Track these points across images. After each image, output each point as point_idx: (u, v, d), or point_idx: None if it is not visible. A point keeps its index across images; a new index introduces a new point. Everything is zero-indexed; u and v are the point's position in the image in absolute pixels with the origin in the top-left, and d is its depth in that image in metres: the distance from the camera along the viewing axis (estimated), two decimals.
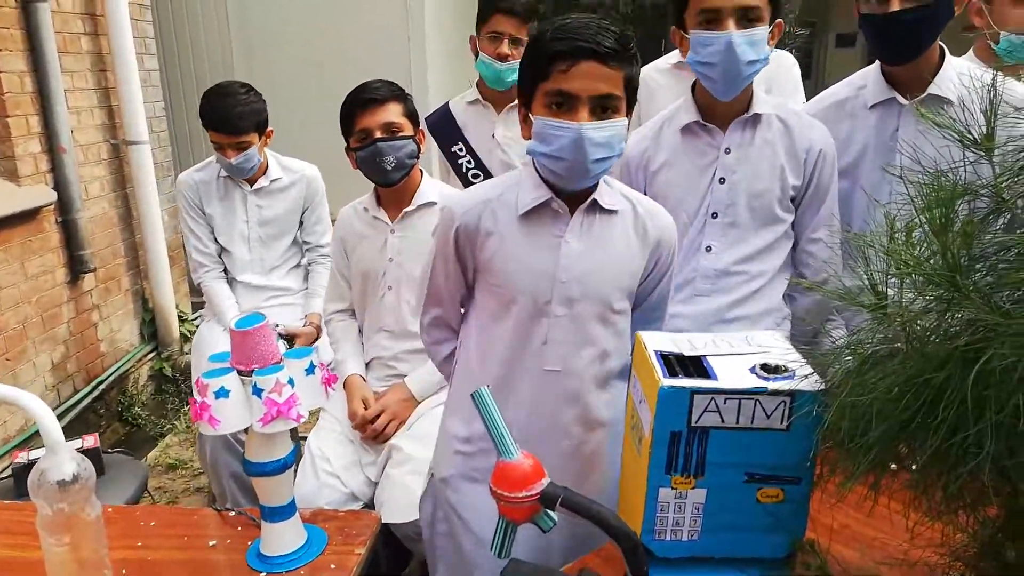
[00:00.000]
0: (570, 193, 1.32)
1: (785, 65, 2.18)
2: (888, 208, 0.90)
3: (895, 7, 1.52)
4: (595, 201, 1.32)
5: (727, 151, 1.59)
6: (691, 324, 1.62)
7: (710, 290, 1.64)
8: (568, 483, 1.31)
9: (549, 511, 0.89)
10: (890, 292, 0.94)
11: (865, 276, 0.92)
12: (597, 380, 1.37)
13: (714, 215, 1.60)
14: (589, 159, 1.23)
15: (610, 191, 1.36)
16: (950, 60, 1.63)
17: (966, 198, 0.86)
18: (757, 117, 1.58)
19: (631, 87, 1.27)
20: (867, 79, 1.70)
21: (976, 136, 0.89)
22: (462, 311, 1.47)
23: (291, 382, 1.18)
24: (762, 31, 1.48)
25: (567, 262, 1.31)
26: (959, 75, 1.61)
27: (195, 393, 1.18)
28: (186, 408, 3.64)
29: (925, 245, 0.86)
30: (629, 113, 1.30)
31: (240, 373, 1.19)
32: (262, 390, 1.15)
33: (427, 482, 1.51)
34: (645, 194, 1.66)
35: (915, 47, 1.58)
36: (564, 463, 1.36)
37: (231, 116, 2.36)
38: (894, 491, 0.96)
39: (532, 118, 1.28)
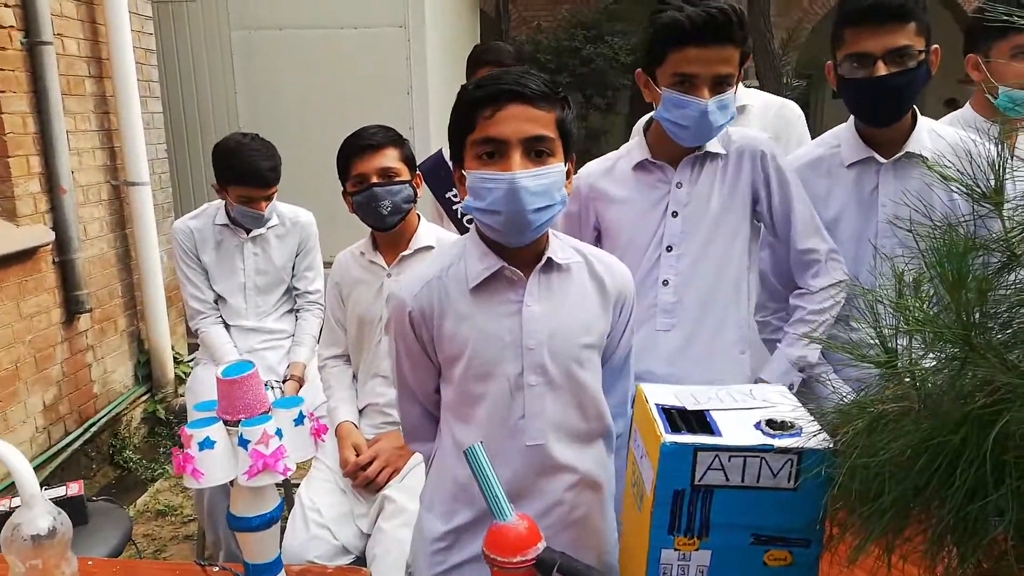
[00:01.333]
0: (520, 255, 1.24)
1: (791, 118, 2.18)
2: (894, 262, 0.87)
3: (881, 72, 1.52)
4: (549, 259, 1.25)
5: (679, 185, 1.59)
6: (655, 362, 1.59)
7: (670, 324, 1.62)
8: (578, 550, 1.26)
9: None
10: (898, 348, 0.92)
11: (873, 331, 0.90)
12: (581, 443, 1.31)
13: (668, 248, 1.60)
14: (527, 209, 1.16)
15: (561, 245, 1.30)
16: (921, 119, 1.66)
17: (976, 253, 0.83)
18: (706, 154, 1.59)
19: (564, 129, 1.21)
20: (839, 138, 1.71)
21: (984, 189, 0.87)
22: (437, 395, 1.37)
23: (279, 433, 1.14)
24: (731, 93, 1.50)
25: (531, 327, 1.24)
26: (928, 133, 1.63)
27: (180, 443, 1.14)
28: None
29: (934, 300, 0.84)
30: (567, 158, 1.23)
31: (226, 423, 1.15)
32: (248, 441, 1.11)
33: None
34: (597, 228, 1.68)
35: (900, 109, 1.60)
36: (559, 533, 1.29)
37: (264, 170, 2.37)
38: (909, 555, 0.91)
39: (465, 174, 1.21)
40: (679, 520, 1.07)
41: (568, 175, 1.24)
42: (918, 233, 0.86)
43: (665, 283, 1.61)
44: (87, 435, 3.36)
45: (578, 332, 1.27)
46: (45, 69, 3.08)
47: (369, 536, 1.83)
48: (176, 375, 3.96)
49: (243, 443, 1.12)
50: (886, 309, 0.88)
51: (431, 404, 1.36)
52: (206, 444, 1.11)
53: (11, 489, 2.81)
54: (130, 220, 3.75)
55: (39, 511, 1.04)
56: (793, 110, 2.21)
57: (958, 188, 0.84)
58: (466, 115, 1.19)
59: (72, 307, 3.28)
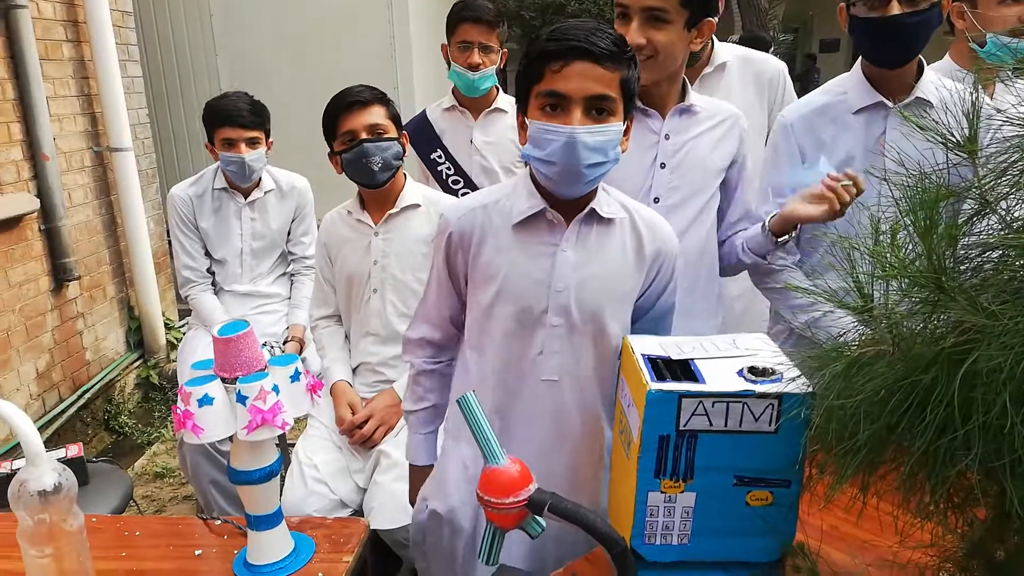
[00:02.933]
0: (566, 202, 1.29)
1: (773, 74, 2.18)
2: (874, 211, 0.90)
3: (895, 11, 1.53)
4: (593, 210, 1.30)
5: (667, 137, 1.61)
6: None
7: None
8: (576, 490, 1.31)
9: (537, 517, 0.88)
10: (876, 294, 0.95)
11: (851, 278, 0.93)
12: (595, 389, 1.35)
13: (656, 199, 1.61)
14: (582, 164, 1.21)
15: (608, 199, 1.33)
16: (927, 67, 1.66)
17: (950, 200, 0.86)
18: (691, 107, 1.61)
19: (628, 90, 1.24)
20: (846, 85, 1.71)
21: (959, 139, 0.89)
22: (455, 332, 1.45)
23: (275, 389, 1.17)
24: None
25: (562, 271, 1.29)
26: (933, 81, 1.65)
27: (178, 401, 1.16)
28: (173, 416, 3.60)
29: (910, 247, 0.87)
30: (627, 117, 1.27)
31: (224, 381, 1.17)
32: (246, 397, 1.14)
33: (421, 506, 1.47)
34: None
35: (912, 50, 1.60)
36: (571, 472, 1.36)
37: (243, 111, 2.42)
38: (883, 493, 0.96)
39: (527, 122, 1.25)
40: (665, 464, 1.11)
41: (626, 132, 1.28)
42: (895, 184, 0.89)
43: None
44: (81, 401, 3.38)
45: (606, 285, 1.31)
46: (21, 33, 3.03)
47: (365, 490, 1.88)
48: (168, 341, 3.97)
49: (241, 399, 1.14)
50: (863, 257, 0.91)
51: (439, 333, 1.45)
52: (205, 400, 1.13)
53: (11, 453, 2.85)
54: (114, 186, 3.72)
55: (44, 468, 1.06)
56: (775, 66, 2.21)
57: (932, 137, 0.86)
58: (535, 66, 1.22)
59: (60, 275, 3.27)
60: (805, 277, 1.71)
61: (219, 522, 1.41)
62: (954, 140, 0.89)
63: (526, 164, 1.32)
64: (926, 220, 0.78)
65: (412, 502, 1.55)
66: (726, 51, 2.16)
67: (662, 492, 1.13)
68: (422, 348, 1.47)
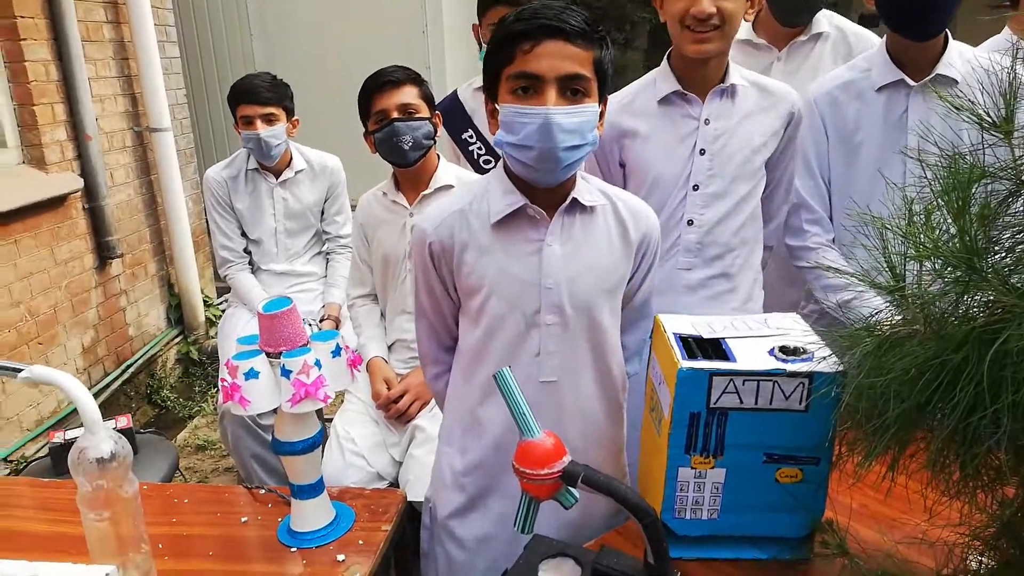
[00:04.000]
0: (545, 194, 1.25)
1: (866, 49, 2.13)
2: (905, 190, 0.90)
3: None
4: (575, 200, 1.25)
5: (706, 122, 1.58)
6: (670, 300, 1.61)
7: (692, 263, 1.64)
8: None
9: (571, 488, 0.91)
10: (908, 275, 0.95)
11: (883, 259, 0.93)
12: (594, 383, 1.34)
13: (695, 187, 1.59)
14: (559, 146, 1.15)
15: (588, 187, 1.29)
16: (953, 42, 1.64)
17: (984, 181, 0.86)
18: (734, 87, 1.57)
19: (602, 70, 1.19)
20: (871, 62, 1.70)
21: (995, 118, 0.89)
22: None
23: (318, 364, 1.21)
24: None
25: (551, 267, 1.25)
26: (960, 56, 1.62)
27: (225, 374, 1.21)
28: (213, 391, 3.71)
29: (943, 228, 0.87)
30: (602, 100, 1.22)
31: (268, 355, 1.22)
32: (290, 372, 1.18)
33: (426, 510, 1.48)
34: (623, 164, 1.66)
35: (940, 22, 1.57)
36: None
37: (259, 87, 2.47)
38: (912, 471, 0.97)
39: (499, 107, 1.20)
40: (695, 440, 1.14)
41: (601, 116, 1.24)
42: (927, 163, 0.89)
43: (690, 223, 1.61)
44: (125, 376, 3.50)
45: (598, 275, 1.28)
46: (63, 15, 3.10)
47: (401, 464, 1.93)
48: (206, 318, 4.07)
49: (285, 373, 1.19)
50: (895, 237, 0.92)
51: (445, 335, 1.39)
52: (251, 374, 1.18)
53: (61, 423, 2.96)
54: (154, 166, 3.81)
55: (102, 436, 1.12)
56: (870, 40, 2.13)
57: (968, 118, 0.86)
58: (503, 48, 1.17)
59: (104, 253, 3.37)
60: (839, 256, 1.70)
61: (263, 491, 1.47)
62: (989, 120, 0.89)
63: (497, 161, 1.29)
64: (959, 201, 0.79)
65: None
66: (825, 21, 2.12)
67: (692, 468, 1.15)
68: (434, 365, 1.43)
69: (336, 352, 1.26)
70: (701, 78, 1.57)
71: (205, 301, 4.10)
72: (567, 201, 1.26)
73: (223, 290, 4.05)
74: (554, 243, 1.25)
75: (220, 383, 1.24)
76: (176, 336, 3.98)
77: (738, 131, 1.58)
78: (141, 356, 3.65)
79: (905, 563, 1.08)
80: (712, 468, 1.15)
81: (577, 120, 1.17)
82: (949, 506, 0.98)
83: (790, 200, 1.74)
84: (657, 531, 0.83)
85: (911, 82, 1.63)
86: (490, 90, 1.24)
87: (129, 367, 3.54)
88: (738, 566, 1.17)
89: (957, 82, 1.59)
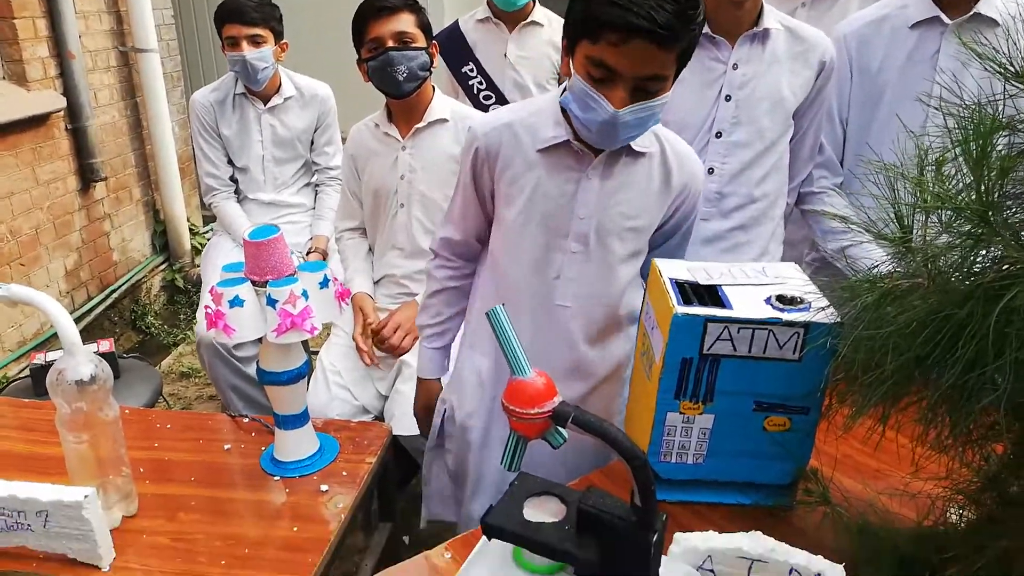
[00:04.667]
0: None
1: None
2: (923, 138, 0.87)
3: None
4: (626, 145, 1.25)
5: (734, 67, 1.50)
6: (687, 249, 1.53)
7: (709, 214, 1.58)
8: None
9: (560, 428, 0.90)
10: (915, 228, 0.93)
11: (891, 208, 0.91)
12: (607, 316, 1.35)
13: (718, 134, 1.53)
14: (619, 136, 1.18)
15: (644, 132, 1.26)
16: None
17: (1004, 133, 0.83)
18: (766, 32, 1.50)
19: (684, 58, 1.16)
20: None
21: (1019, 68, 0.85)
22: (476, 245, 1.44)
23: (305, 295, 1.18)
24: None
25: (586, 198, 1.26)
26: None
27: (209, 301, 1.18)
28: (198, 319, 3.68)
29: (957, 179, 0.84)
30: (675, 79, 1.19)
31: (254, 284, 1.19)
32: (276, 301, 1.16)
33: (439, 413, 1.51)
34: None
35: None
36: (572, 396, 1.37)
37: (246, 6, 2.36)
38: (901, 426, 0.97)
39: (572, 67, 1.17)
40: (686, 386, 1.13)
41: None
42: (950, 111, 0.85)
43: (710, 171, 1.55)
44: (109, 301, 3.46)
45: (629, 215, 1.29)
46: None
47: (387, 398, 1.93)
48: (192, 246, 4.02)
49: (271, 303, 1.16)
50: (905, 186, 0.89)
51: (463, 246, 1.44)
52: (236, 302, 1.15)
53: (43, 345, 2.94)
54: (139, 88, 3.69)
55: (81, 358, 1.10)
56: None
57: (990, 66, 0.83)
58: (592, 25, 1.11)
59: (87, 175, 3.29)
60: (844, 202, 1.67)
61: (247, 420, 1.46)
62: (1012, 70, 0.85)
63: (559, 83, 1.28)
64: (978, 151, 0.76)
65: (416, 412, 1.60)
66: None
67: (681, 413, 1.15)
68: (443, 250, 1.46)
69: (324, 284, 1.23)
70: (734, 20, 1.48)
71: (191, 229, 4.04)
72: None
73: (209, 219, 3.98)
74: (594, 177, 1.26)
75: (203, 310, 1.21)
76: (161, 263, 3.93)
77: (767, 77, 1.50)
78: (125, 282, 3.60)
79: (886, 514, 1.08)
80: (701, 414, 1.14)
81: (643, 115, 1.16)
82: (935, 460, 0.98)
83: (815, 156, 1.66)
84: (646, 474, 0.82)
85: (946, 20, 1.54)
86: (568, 39, 1.19)
87: (113, 292, 3.50)
88: (721, 511, 1.18)
89: (998, 23, 1.49)
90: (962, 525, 1.04)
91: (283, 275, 1.19)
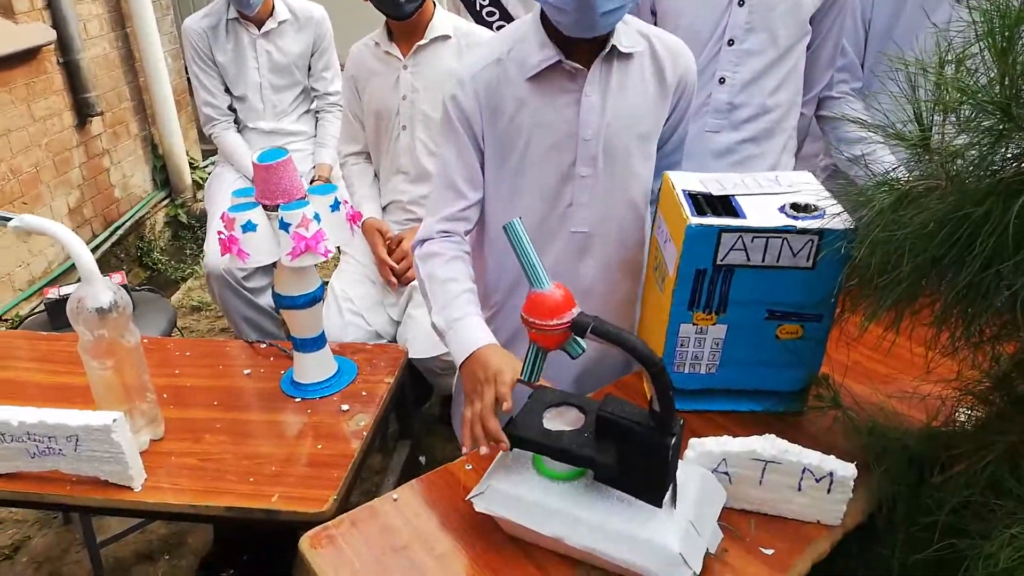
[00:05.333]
0: (582, 44, 1.18)
1: None
2: (946, 35, 0.85)
3: None
4: (613, 47, 1.20)
5: None
6: (696, 163, 1.52)
7: (720, 126, 1.54)
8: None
9: (579, 339, 0.91)
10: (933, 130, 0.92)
11: (910, 107, 0.89)
12: (623, 233, 1.34)
13: (730, 42, 1.48)
14: (597, 12, 1.10)
15: (627, 30, 1.23)
16: None
17: None
18: None
19: None
20: None
21: None
22: (476, 198, 1.30)
23: (317, 217, 1.18)
24: None
25: (589, 118, 1.22)
26: None
27: (221, 227, 1.18)
28: (204, 253, 3.68)
29: (979, 75, 0.83)
30: None
31: (265, 208, 1.18)
32: (289, 224, 1.16)
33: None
34: (654, 11, 1.53)
35: None
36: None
37: None
38: (914, 330, 0.98)
39: None
40: (699, 297, 1.13)
41: None
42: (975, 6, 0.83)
43: (722, 81, 1.51)
44: (114, 238, 3.46)
45: (634, 122, 1.25)
46: None
47: (399, 323, 1.95)
48: (193, 180, 3.99)
49: (284, 226, 1.16)
50: (926, 85, 0.87)
51: (463, 206, 1.29)
52: (249, 227, 1.15)
53: (54, 283, 2.95)
54: (129, 18, 3.59)
55: (100, 287, 1.10)
56: None
57: None
58: None
59: (83, 110, 3.24)
60: (863, 107, 1.63)
61: (264, 345, 1.48)
62: None
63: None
64: (1004, 42, 0.74)
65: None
66: None
67: (694, 324, 1.16)
68: (438, 229, 1.28)
69: (335, 206, 1.22)
70: None
71: (191, 163, 3.99)
72: (606, 49, 1.20)
73: (209, 152, 3.94)
74: (592, 94, 1.22)
75: (215, 236, 1.21)
76: (163, 199, 3.91)
77: None
78: (129, 218, 3.59)
79: (896, 416, 1.11)
80: (714, 324, 1.16)
81: None
82: (944, 365, 1.00)
83: (835, 63, 1.61)
84: (664, 379, 0.84)
85: None
86: None
87: (117, 229, 3.49)
88: (734, 418, 1.21)
89: None
90: (970, 425, 1.06)
91: (294, 198, 1.18)
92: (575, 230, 1.30)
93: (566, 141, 1.23)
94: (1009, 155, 0.82)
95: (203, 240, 3.79)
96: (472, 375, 1.12)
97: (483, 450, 1.02)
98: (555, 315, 0.88)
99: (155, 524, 2.00)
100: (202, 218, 3.89)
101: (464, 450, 1.05)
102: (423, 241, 1.27)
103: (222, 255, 1.19)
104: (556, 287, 0.90)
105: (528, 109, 1.22)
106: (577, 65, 1.19)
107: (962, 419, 1.07)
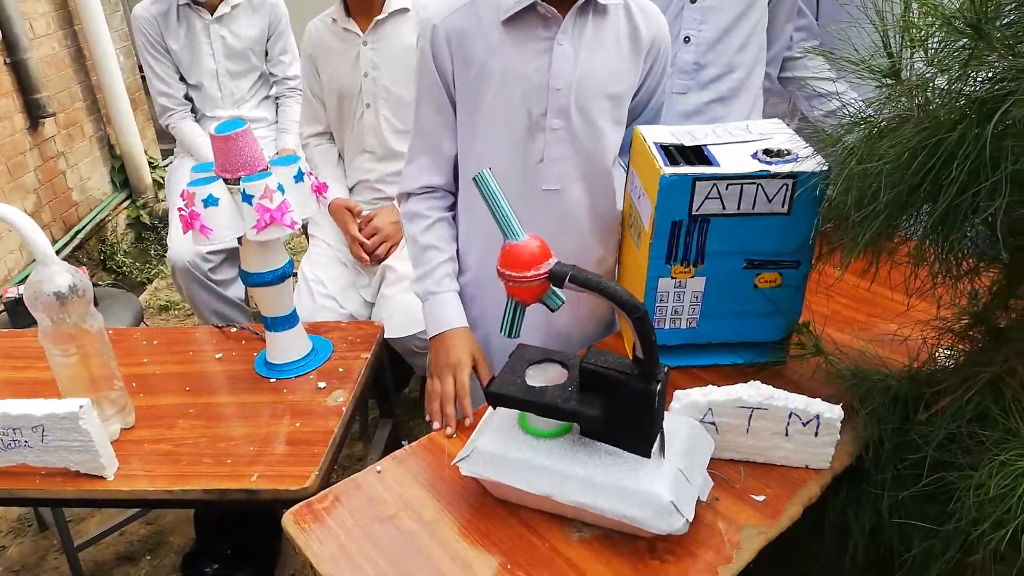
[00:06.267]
0: None
1: None
2: None
3: None
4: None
5: None
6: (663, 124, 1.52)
7: (687, 87, 1.53)
8: (582, 299, 1.29)
9: (557, 290, 0.89)
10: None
11: (879, 38, 0.89)
12: (596, 194, 1.31)
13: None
14: None
15: None
16: None
17: None
18: None
19: None
20: None
21: None
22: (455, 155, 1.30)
23: (281, 188, 1.14)
24: None
25: (560, 68, 1.19)
26: None
27: (181, 204, 1.14)
28: None
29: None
30: None
31: (227, 181, 1.14)
32: (252, 196, 1.12)
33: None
34: None
35: None
36: None
37: None
38: (890, 276, 0.98)
39: None
40: (676, 250, 1.12)
41: None
42: None
43: (687, 40, 1.49)
44: (75, 242, 3.36)
45: (607, 79, 1.23)
46: None
47: (373, 304, 1.91)
48: (153, 180, 3.89)
49: (247, 199, 1.12)
50: (892, 12, 0.86)
51: (445, 163, 1.30)
52: (210, 201, 1.11)
53: (23, 283, 2.86)
54: (77, 15, 3.48)
55: (57, 269, 1.06)
56: None
57: None
58: None
59: (34, 112, 3.13)
60: (823, 63, 1.62)
61: (235, 329, 1.44)
62: None
63: None
64: None
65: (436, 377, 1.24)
66: None
67: (672, 278, 1.14)
68: (417, 182, 1.31)
69: (299, 177, 1.19)
70: None
71: (150, 163, 3.90)
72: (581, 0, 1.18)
73: (168, 152, 3.84)
74: (565, 42, 1.19)
75: (178, 213, 1.17)
76: (124, 200, 3.81)
77: None
78: (89, 221, 3.50)
79: (878, 359, 1.10)
80: (692, 277, 1.14)
81: None
82: (920, 308, 1.00)
83: (794, 18, 1.60)
84: (647, 326, 0.82)
85: None
86: None
87: (78, 233, 3.40)
88: (717, 372, 1.20)
89: None
90: (951, 363, 1.06)
91: (256, 170, 1.14)
92: (547, 187, 1.26)
93: (537, 91, 1.21)
94: (979, 78, 0.81)
95: (166, 241, 3.71)
96: (437, 355, 1.23)
97: (448, 431, 1.10)
98: (532, 266, 0.86)
99: (134, 525, 1.96)
100: (165, 218, 3.80)
101: (433, 425, 1.13)
102: (408, 195, 1.32)
103: (184, 232, 1.15)
104: (532, 238, 0.88)
105: (499, 56, 1.20)
106: (552, 9, 1.17)
107: (943, 359, 1.07)
